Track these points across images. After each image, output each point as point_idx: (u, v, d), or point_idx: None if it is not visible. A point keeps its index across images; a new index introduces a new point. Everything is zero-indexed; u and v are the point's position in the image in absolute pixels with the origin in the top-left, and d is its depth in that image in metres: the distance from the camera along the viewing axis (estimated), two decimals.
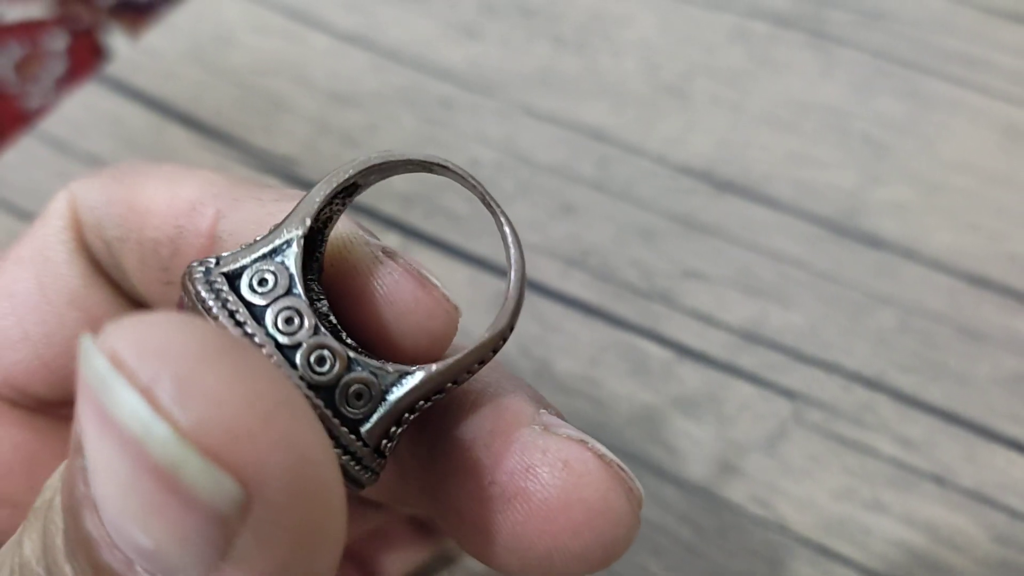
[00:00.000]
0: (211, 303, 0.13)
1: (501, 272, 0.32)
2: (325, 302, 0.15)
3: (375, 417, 0.14)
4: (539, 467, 0.14)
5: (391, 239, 0.33)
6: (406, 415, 0.14)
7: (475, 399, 0.15)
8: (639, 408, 0.30)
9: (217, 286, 0.14)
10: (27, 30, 0.67)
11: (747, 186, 0.34)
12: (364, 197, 0.33)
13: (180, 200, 0.17)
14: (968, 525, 0.27)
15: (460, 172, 0.15)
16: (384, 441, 0.14)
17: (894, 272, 0.32)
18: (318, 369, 0.13)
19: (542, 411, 0.15)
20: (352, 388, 0.13)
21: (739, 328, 0.31)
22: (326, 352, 0.13)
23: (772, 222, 0.33)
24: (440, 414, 0.16)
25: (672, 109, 0.37)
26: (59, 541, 0.12)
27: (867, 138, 0.35)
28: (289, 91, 0.38)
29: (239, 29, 0.40)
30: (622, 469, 0.15)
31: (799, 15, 0.39)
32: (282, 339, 0.13)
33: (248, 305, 0.14)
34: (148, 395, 0.10)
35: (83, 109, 0.37)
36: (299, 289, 0.14)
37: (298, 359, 0.13)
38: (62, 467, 0.12)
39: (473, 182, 0.15)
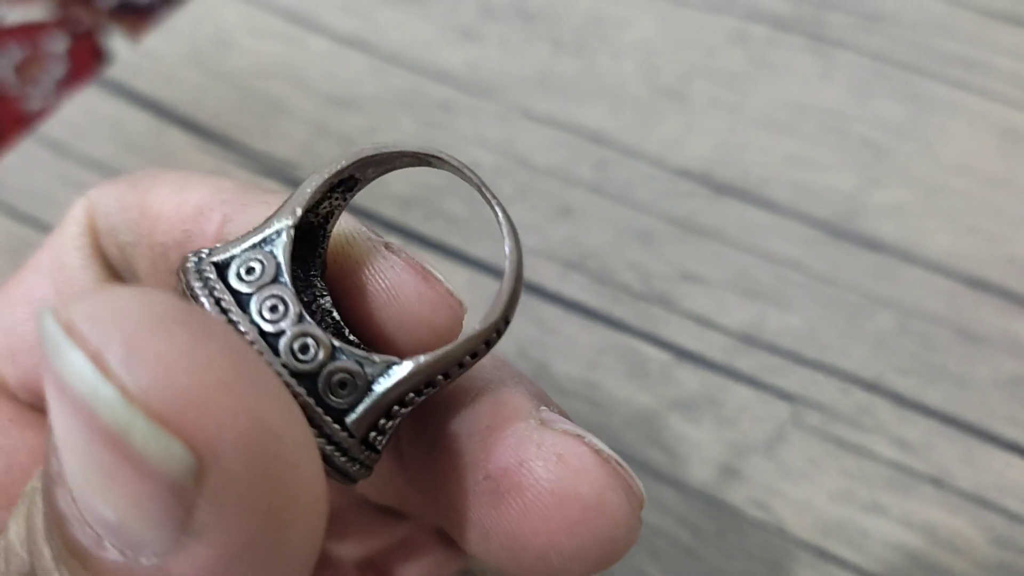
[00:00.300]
0: (198, 291, 0.14)
1: (501, 274, 0.32)
2: (328, 298, 0.15)
3: (361, 408, 0.13)
4: (533, 461, 0.14)
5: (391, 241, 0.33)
6: (396, 408, 0.14)
7: (475, 395, 0.15)
8: (637, 411, 0.30)
9: (206, 274, 0.14)
10: (27, 32, 0.67)
11: (746, 189, 0.34)
12: (363, 199, 0.33)
13: (188, 205, 0.17)
14: (966, 527, 0.27)
15: (455, 163, 0.15)
16: (373, 433, 0.14)
17: (893, 274, 0.32)
18: (301, 357, 0.13)
19: (543, 408, 0.15)
20: (336, 377, 0.13)
21: (737, 331, 0.31)
22: (310, 340, 0.13)
23: (771, 225, 0.33)
24: (439, 411, 0.15)
25: (671, 112, 0.37)
26: (39, 523, 0.12)
27: (866, 141, 0.36)
28: (288, 94, 0.38)
29: (238, 32, 0.40)
30: (621, 466, 0.14)
31: (798, 18, 0.39)
32: (266, 326, 0.13)
33: (234, 293, 0.14)
34: (97, 359, 0.10)
35: (83, 112, 0.38)
36: (286, 278, 0.14)
37: (281, 346, 0.13)
38: None
39: (469, 173, 0.14)
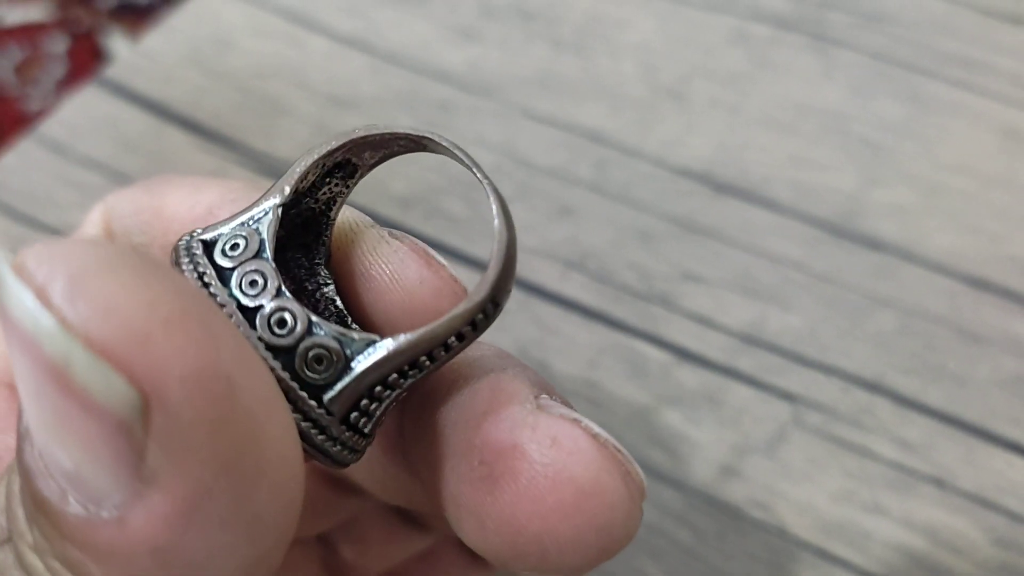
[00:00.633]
0: (184, 265, 0.14)
1: None
2: (332, 287, 0.15)
3: (339, 385, 0.13)
4: (527, 444, 0.14)
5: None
6: (379, 389, 0.14)
7: (474, 383, 0.15)
8: (638, 411, 0.30)
9: (193, 251, 0.14)
10: (27, 33, 0.67)
11: (746, 188, 0.34)
12: (363, 200, 0.33)
13: (200, 206, 0.17)
14: (968, 528, 0.27)
15: (447, 144, 0.14)
16: (355, 414, 0.14)
17: (893, 274, 0.32)
18: (278, 331, 0.13)
19: (542, 396, 0.15)
20: (312, 352, 0.13)
21: (738, 331, 0.31)
22: (287, 314, 0.13)
23: (771, 224, 0.33)
24: (439, 400, 0.15)
25: (671, 111, 0.37)
26: (16, 487, 0.12)
27: (866, 140, 0.35)
28: (288, 94, 0.38)
29: (238, 32, 0.40)
30: (619, 451, 0.14)
31: (799, 17, 0.39)
32: (245, 300, 0.13)
33: (218, 268, 0.14)
34: (41, 294, 0.10)
35: (83, 112, 0.37)
36: (268, 254, 0.14)
37: (258, 320, 0.13)
38: None
39: (461, 155, 0.14)
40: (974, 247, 0.33)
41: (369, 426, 0.14)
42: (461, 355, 0.15)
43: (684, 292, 0.32)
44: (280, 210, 0.14)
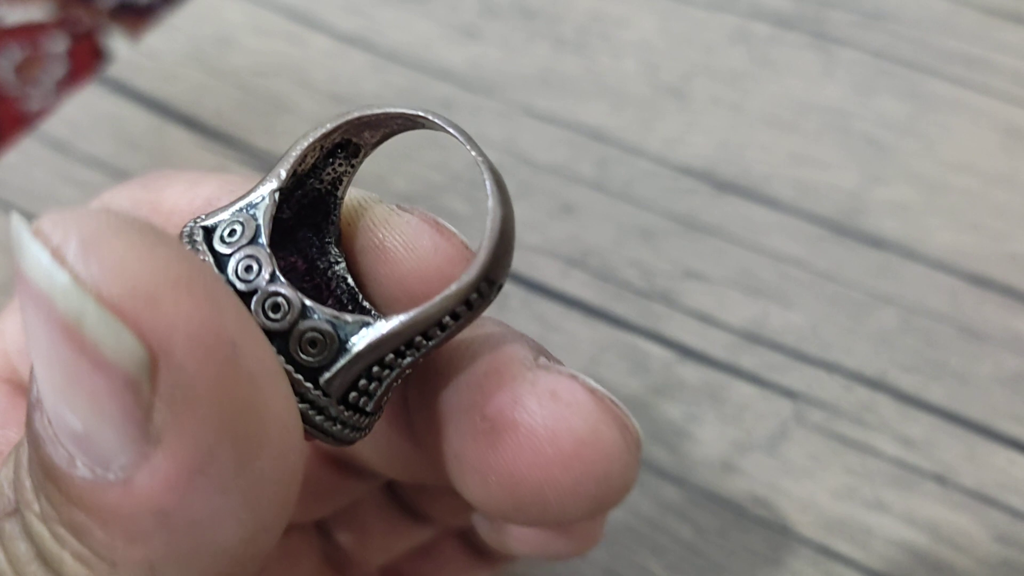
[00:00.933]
0: None
1: None
2: (343, 264, 0.15)
3: (335, 367, 0.14)
4: (527, 398, 0.14)
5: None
6: (376, 369, 0.14)
7: (476, 349, 0.15)
8: (640, 408, 0.30)
9: (194, 237, 0.14)
10: (28, 32, 0.67)
11: (748, 186, 0.34)
12: None
13: (198, 199, 0.17)
14: (969, 525, 0.27)
15: (441, 122, 0.14)
16: (354, 394, 0.14)
17: (895, 272, 0.32)
18: (272, 316, 0.13)
19: (541, 358, 0.15)
20: (307, 335, 0.13)
21: (740, 328, 0.31)
22: (280, 299, 0.13)
23: (773, 222, 0.33)
24: (443, 368, 0.15)
25: (672, 109, 0.37)
26: (24, 458, 0.12)
27: (868, 138, 0.35)
28: (289, 92, 0.38)
29: (239, 31, 0.40)
30: (615, 404, 0.15)
31: (800, 16, 0.39)
32: (240, 286, 0.14)
33: (216, 255, 0.14)
34: (56, 253, 0.10)
35: (83, 111, 0.37)
36: (263, 239, 0.14)
37: (253, 305, 0.13)
38: None
39: (454, 132, 0.14)
40: (976, 245, 0.33)
41: (370, 405, 0.14)
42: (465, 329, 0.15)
43: (686, 290, 0.32)
44: (277, 195, 0.14)
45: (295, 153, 0.15)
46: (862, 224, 0.33)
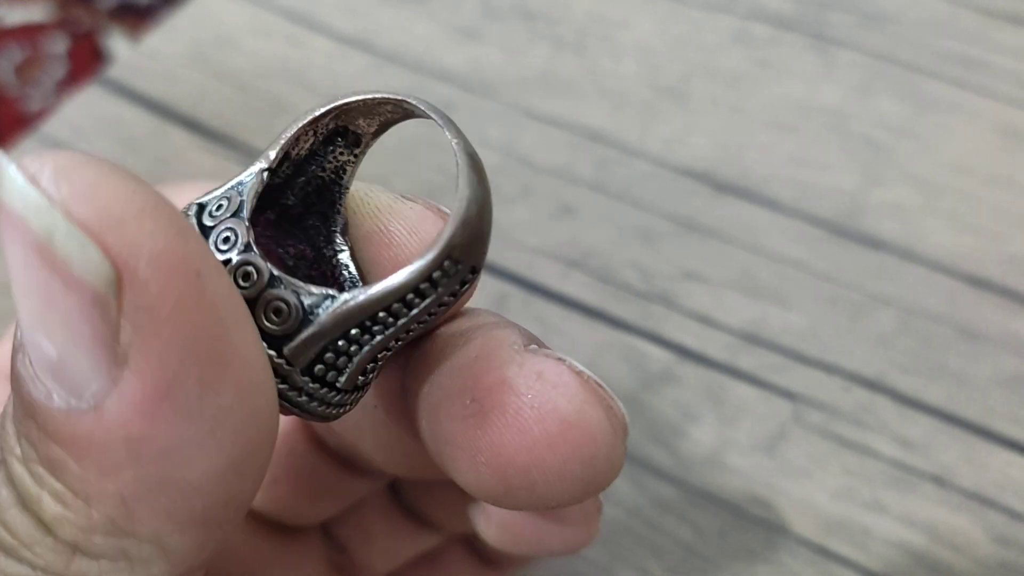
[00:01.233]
0: None
1: (501, 274, 0.32)
2: (347, 252, 0.16)
3: (299, 337, 0.14)
4: (514, 379, 0.14)
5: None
6: (343, 343, 0.14)
7: (468, 334, 0.16)
8: (639, 409, 0.30)
9: (187, 212, 0.15)
10: (28, 33, 0.67)
11: (747, 188, 0.34)
12: None
13: None
14: (968, 526, 0.27)
15: (424, 107, 0.15)
16: (320, 367, 0.14)
17: (894, 273, 0.32)
18: (243, 284, 0.14)
19: (531, 344, 0.15)
20: (272, 304, 0.14)
21: (739, 329, 0.31)
22: (250, 268, 0.14)
23: (772, 223, 0.33)
24: (436, 354, 0.16)
25: (672, 111, 0.37)
26: (10, 409, 0.13)
27: (867, 140, 0.36)
28: (290, 94, 0.38)
29: (240, 32, 0.40)
30: (601, 387, 0.15)
31: (799, 17, 0.39)
32: (217, 255, 0.14)
33: (202, 228, 0.14)
34: (32, 179, 0.11)
35: (84, 112, 0.38)
36: (244, 213, 0.14)
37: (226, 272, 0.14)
38: None
39: (434, 116, 0.15)
40: (974, 246, 0.33)
41: (341, 380, 0.14)
42: (459, 318, 0.16)
43: (685, 291, 0.32)
44: (265, 174, 0.15)
45: (286, 135, 0.15)
46: (861, 225, 0.33)
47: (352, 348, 0.14)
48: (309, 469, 0.20)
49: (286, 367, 0.14)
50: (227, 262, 0.14)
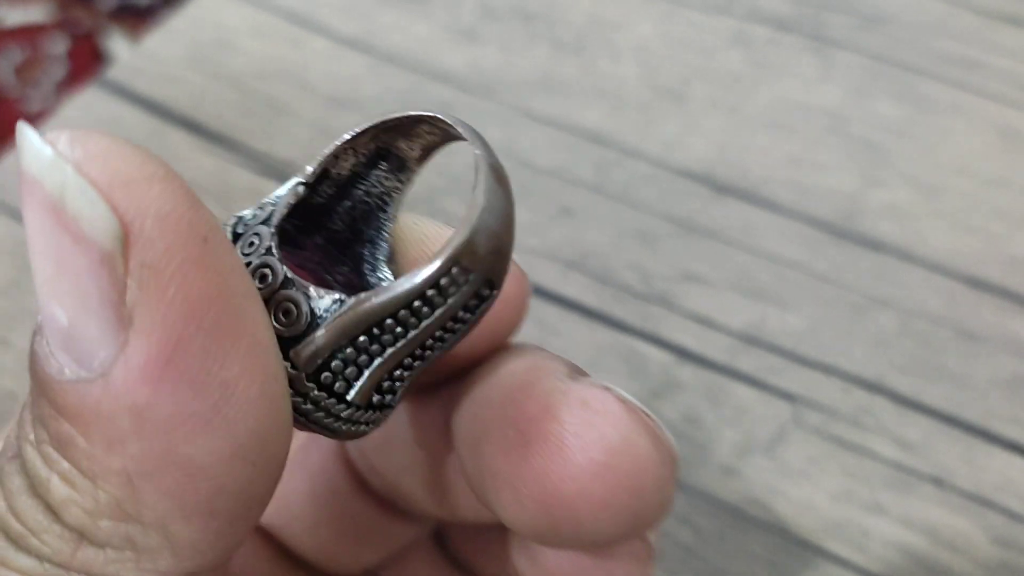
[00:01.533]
0: None
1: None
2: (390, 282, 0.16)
3: (305, 341, 0.14)
4: (558, 408, 0.14)
5: None
6: (351, 351, 0.14)
7: (511, 364, 0.15)
8: None
9: (226, 223, 0.15)
10: (28, 34, 0.67)
11: (746, 189, 0.34)
12: None
13: None
14: (967, 527, 0.27)
15: (451, 121, 0.15)
16: (327, 375, 0.14)
17: (893, 275, 0.32)
18: (259, 285, 0.14)
19: (575, 374, 0.15)
20: (281, 304, 0.14)
21: (738, 331, 0.31)
22: (267, 270, 0.14)
23: (771, 225, 0.33)
24: (480, 387, 0.15)
25: (671, 112, 0.37)
26: (29, 401, 0.13)
27: (866, 141, 0.36)
28: (289, 95, 0.38)
29: (239, 33, 0.40)
30: (648, 416, 0.14)
31: (798, 19, 0.39)
32: (241, 259, 0.14)
33: (235, 236, 0.15)
34: (49, 143, 0.11)
35: (83, 113, 0.38)
36: (273, 221, 0.14)
37: None
38: None
39: (463, 131, 0.15)
40: (973, 247, 0.33)
41: (351, 393, 0.14)
42: (502, 351, 0.16)
43: (684, 292, 0.32)
44: (301, 188, 0.15)
45: (326, 151, 0.15)
46: (860, 227, 0.33)
47: (361, 358, 0.14)
48: (352, 513, 0.19)
49: (291, 370, 0.14)
50: (248, 264, 0.14)
